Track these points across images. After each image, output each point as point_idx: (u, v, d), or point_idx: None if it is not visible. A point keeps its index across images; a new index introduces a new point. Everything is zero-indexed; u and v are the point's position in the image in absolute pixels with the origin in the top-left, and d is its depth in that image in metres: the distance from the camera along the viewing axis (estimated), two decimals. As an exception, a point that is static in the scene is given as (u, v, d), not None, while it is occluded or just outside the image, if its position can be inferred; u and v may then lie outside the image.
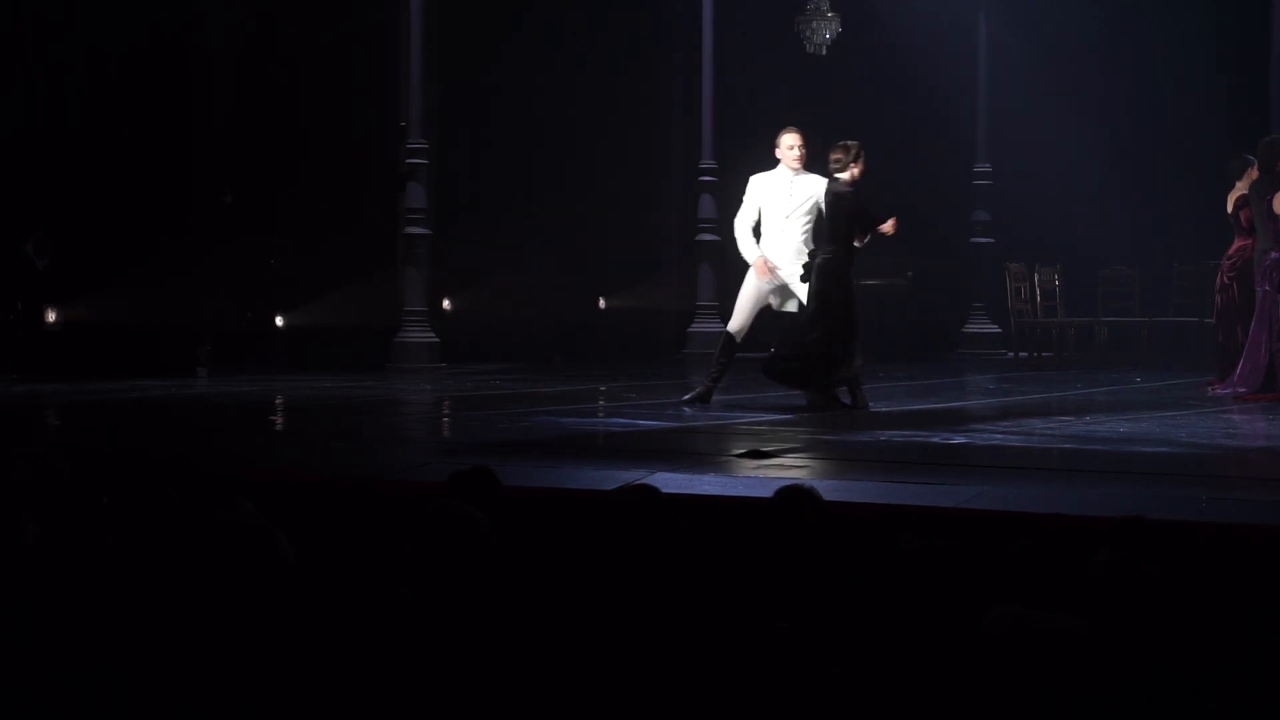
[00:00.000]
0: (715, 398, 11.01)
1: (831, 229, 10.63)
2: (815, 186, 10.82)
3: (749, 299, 10.96)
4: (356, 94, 15.84)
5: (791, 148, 10.86)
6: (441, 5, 15.86)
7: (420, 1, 15.08)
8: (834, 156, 10.64)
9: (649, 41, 18.88)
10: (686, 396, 11.02)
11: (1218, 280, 12.62)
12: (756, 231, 10.99)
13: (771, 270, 10.83)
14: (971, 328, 18.26)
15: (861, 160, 10.59)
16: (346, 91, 15.74)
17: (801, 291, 10.77)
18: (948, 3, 17.75)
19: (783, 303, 11.00)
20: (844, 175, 10.61)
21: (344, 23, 15.78)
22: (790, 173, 10.88)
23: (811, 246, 10.83)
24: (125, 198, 13.98)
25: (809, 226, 10.87)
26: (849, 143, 10.66)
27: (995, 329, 18.10)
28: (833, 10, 17.41)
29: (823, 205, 10.68)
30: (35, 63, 13.85)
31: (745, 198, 11.04)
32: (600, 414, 11.35)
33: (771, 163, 10.99)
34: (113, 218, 13.95)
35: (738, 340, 11.02)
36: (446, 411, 11.88)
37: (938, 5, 17.66)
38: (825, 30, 17.41)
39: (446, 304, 17.12)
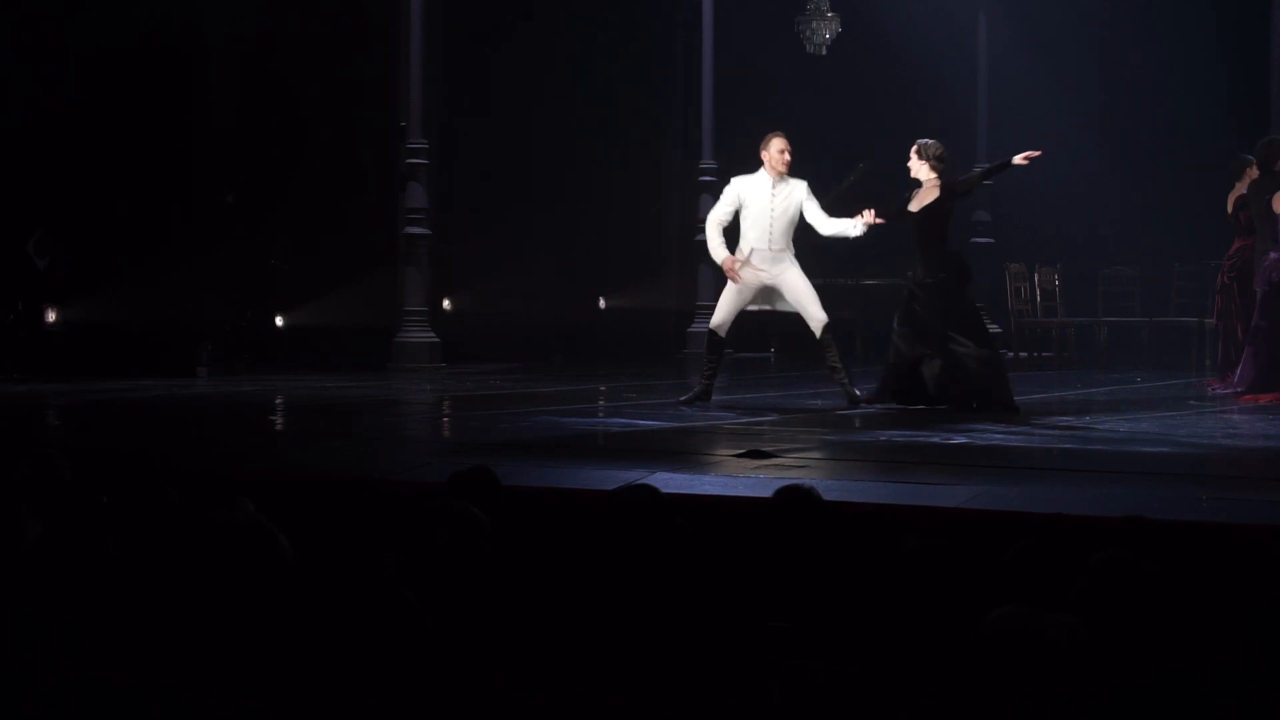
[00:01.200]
0: (714, 398, 10.99)
1: (935, 244, 10.60)
2: (798, 191, 10.81)
3: (732, 294, 10.93)
4: (356, 94, 15.84)
5: (782, 151, 10.78)
6: (442, 5, 15.86)
7: (420, 1, 15.08)
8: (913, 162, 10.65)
9: (649, 41, 18.88)
10: (684, 398, 11.00)
11: (1218, 280, 12.62)
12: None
13: (737, 272, 10.80)
14: (971, 328, 18.24)
15: (930, 159, 10.57)
16: (346, 91, 15.74)
17: (791, 292, 10.75)
18: (948, 3, 17.75)
19: (773, 304, 11.01)
20: (925, 178, 10.61)
21: (344, 23, 15.78)
22: (773, 178, 10.81)
23: (792, 250, 10.80)
24: (125, 197, 13.98)
25: (791, 231, 10.84)
26: (923, 142, 10.67)
27: (995, 329, 18.08)
28: (833, 10, 17.41)
29: (918, 220, 10.58)
30: (36, 63, 13.85)
31: (724, 198, 11.00)
32: (600, 414, 11.35)
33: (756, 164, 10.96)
34: (113, 218, 13.95)
35: (722, 335, 11.00)
36: (446, 411, 11.88)
37: (938, 5, 17.66)
38: (825, 30, 17.42)
39: (446, 304, 17.12)
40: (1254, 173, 12.04)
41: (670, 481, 6.49)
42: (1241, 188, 12.16)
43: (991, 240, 18.12)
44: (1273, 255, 11.56)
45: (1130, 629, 3.28)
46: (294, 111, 15.65)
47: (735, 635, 3.84)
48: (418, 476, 7.04)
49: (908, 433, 9.32)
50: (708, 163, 16.89)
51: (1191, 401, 11.67)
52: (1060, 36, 18.01)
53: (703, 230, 16.77)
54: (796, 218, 10.81)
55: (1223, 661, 3.30)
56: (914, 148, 10.64)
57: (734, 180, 11.07)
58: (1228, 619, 3.36)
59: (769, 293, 10.89)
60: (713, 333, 10.99)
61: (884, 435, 9.23)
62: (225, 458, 7.93)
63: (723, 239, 10.90)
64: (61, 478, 5.24)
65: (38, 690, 3.13)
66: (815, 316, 10.76)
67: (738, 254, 10.80)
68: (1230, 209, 12.27)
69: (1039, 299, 16.89)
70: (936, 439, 8.97)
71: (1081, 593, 3.37)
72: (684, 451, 8.74)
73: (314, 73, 15.56)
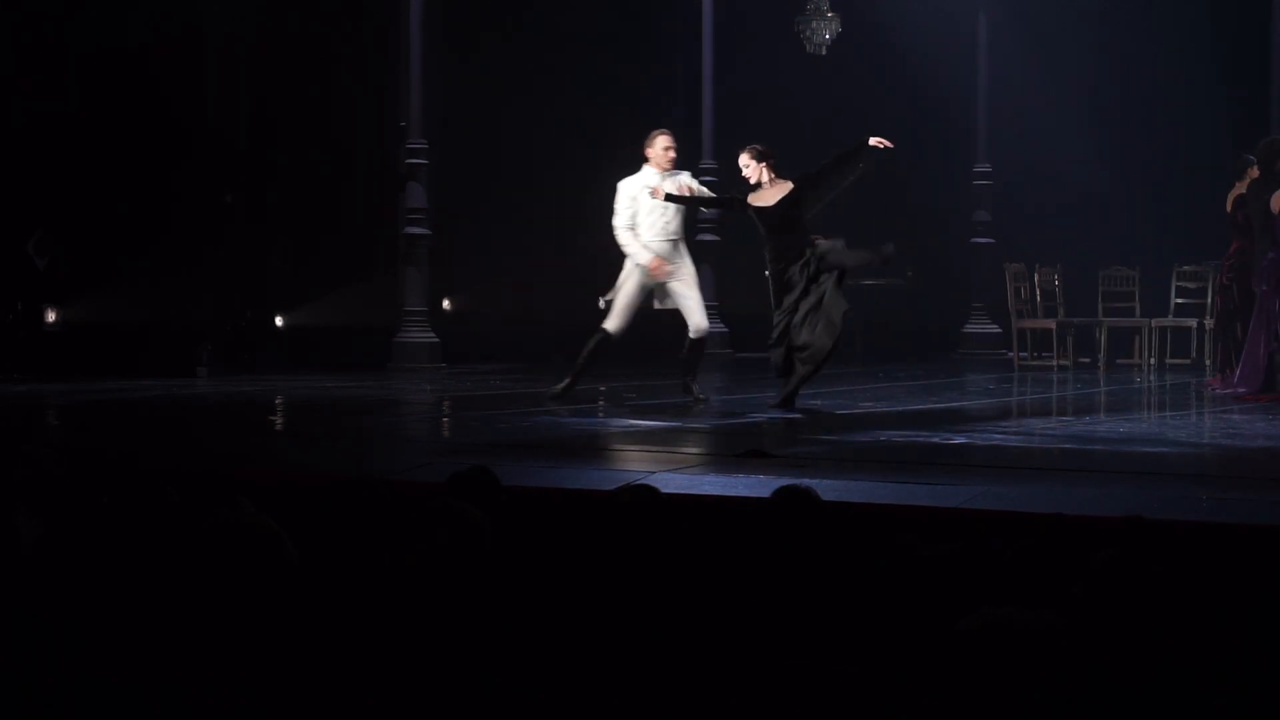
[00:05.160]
0: (715, 398, 11.00)
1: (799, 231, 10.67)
2: (683, 178, 11.04)
3: (636, 296, 11.09)
4: (356, 94, 15.83)
5: (667, 149, 11.02)
6: (442, 5, 15.86)
7: (420, 1, 15.08)
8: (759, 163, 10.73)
9: (649, 41, 18.88)
10: (555, 389, 11.04)
11: (1218, 281, 12.60)
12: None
13: (664, 270, 10.96)
14: (971, 328, 18.26)
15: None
16: (346, 91, 15.73)
17: (683, 288, 10.92)
18: (948, 3, 17.75)
19: (662, 302, 11.12)
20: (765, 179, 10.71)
21: (344, 22, 15.77)
22: (661, 173, 10.99)
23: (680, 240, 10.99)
24: (125, 197, 13.98)
25: (679, 222, 11.05)
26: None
27: (995, 329, 18.09)
28: (833, 10, 17.41)
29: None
30: (36, 63, 13.85)
31: (620, 204, 11.16)
32: (600, 414, 11.34)
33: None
34: (112, 217, 13.96)
35: (615, 340, 11.09)
36: (446, 411, 11.87)
37: (938, 5, 17.66)
38: (825, 30, 17.41)
39: (446, 304, 17.11)
40: (1254, 173, 12.03)
41: (670, 481, 6.49)
42: (1241, 187, 12.16)
43: (991, 240, 18.12)
44: (1271, 255, 11.56)
45: (1130, 629, 3.28)
46: (294, 111, 15.65)
47: (735, 635, 3.84)
48: (418, 476, 7.04)
49: (908, 433, 9.32)
50: (708, 163, 16.87)
51: (1191, 401, 11.67)
52: (1060, 36, 18.00)
53: (703, 230, 16.93)
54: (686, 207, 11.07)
55: (1223, 661, 3.30)
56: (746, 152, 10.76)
57: (621, 184, 11.18)
58: (1228, 619, 3.37)
59: (663, 290, 11.07)
60: (608, 337, 11.08)
61: (884, 435, 9.23)
62: (225, 458, 7.93)
63: (637, 240, 11.02)
64: (61, 478, 5.24)
65: (38, 690, 3.13)
66: (696, 323, 10.93)
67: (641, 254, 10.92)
68: (1229, 209, 12.27)
69: (1039, 299, 16.88)
70: (936, 439, 8.97)
71: (1081, 593, 3.38)
72: (684, 451, 8.74)
73: (314, 72, 15.56)
